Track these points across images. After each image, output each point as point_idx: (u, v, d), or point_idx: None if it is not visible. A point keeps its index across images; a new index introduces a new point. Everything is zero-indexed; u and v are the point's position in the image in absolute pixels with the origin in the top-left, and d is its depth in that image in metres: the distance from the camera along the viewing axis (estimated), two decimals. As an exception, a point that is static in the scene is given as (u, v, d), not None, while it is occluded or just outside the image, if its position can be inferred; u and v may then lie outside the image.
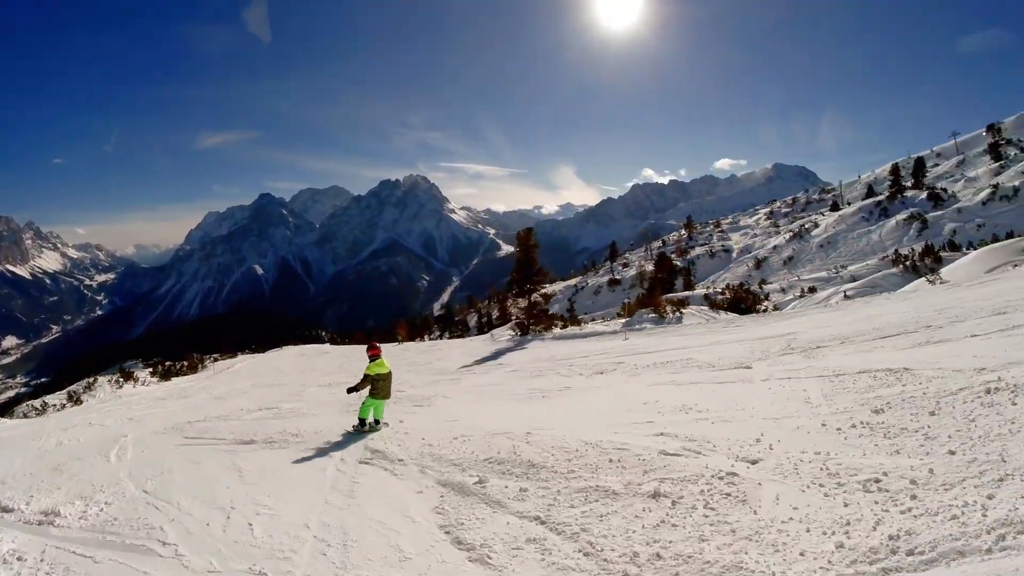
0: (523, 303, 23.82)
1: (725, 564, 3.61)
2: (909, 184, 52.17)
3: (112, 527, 5.62)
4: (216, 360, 27.81)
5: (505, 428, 7.17)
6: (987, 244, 28.08)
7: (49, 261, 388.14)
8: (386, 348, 25.25)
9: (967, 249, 31.22)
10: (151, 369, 26.10)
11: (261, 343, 44.16)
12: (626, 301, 28.19)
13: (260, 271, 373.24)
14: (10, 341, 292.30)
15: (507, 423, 7.53)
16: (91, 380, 24.25)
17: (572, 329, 21.19)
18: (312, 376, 16.83)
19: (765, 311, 21.77)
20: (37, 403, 21.69)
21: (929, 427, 5.09)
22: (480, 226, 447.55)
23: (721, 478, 4.80)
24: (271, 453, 7.72)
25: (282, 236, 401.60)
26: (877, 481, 4.23)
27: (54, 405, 20.40)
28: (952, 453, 4.47)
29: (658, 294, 27.85)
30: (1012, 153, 50.50)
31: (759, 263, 52.56)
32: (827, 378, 7.44)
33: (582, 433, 6.59)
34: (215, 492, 6.27)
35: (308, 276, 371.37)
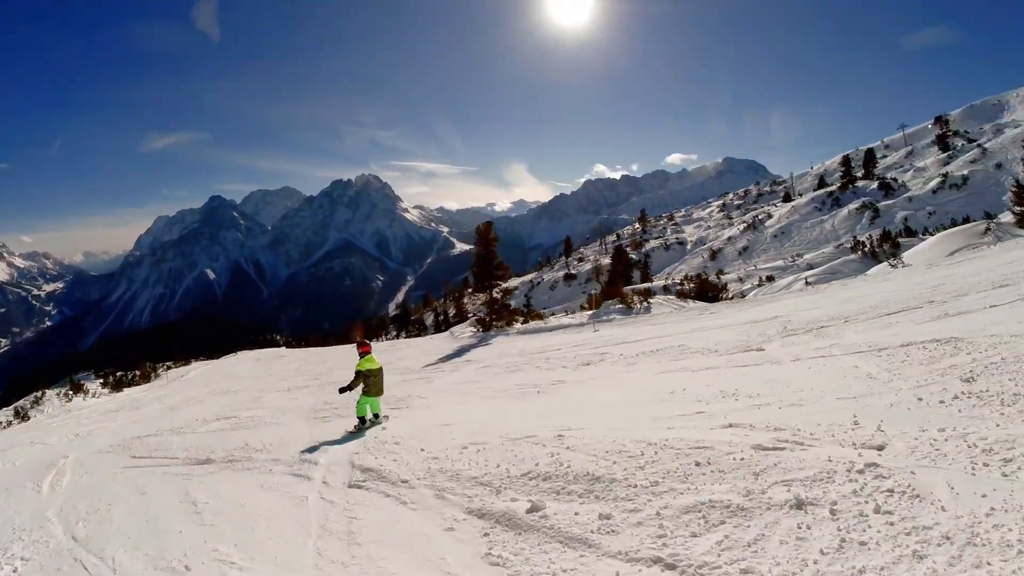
0: (483, 298, 22.98)
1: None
2: (860, 175, 53.52)
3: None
4: (169, 368, 26.55)
5: (522, 431, 5.88)
6: (941, 231, 28.56)
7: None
8: (344, 349, 24.47)
9: (923, 235, 31.80)
10: (102, 380, 24.91)
11: (215, 349, 42.11)
12: (592, 293, 27.47)
13: (212, 275, 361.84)
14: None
15: (518, 424, 6.28)
16: (39, 394, 22.89)
17: (536, 323, 20.62)
18: (269, 381, 15.98)
19: (732, 299, 21.52)
20: (-19, 421, 20.08)
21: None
22: (433, 225, 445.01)
23: (861, 472, 3.76)
24: (233, 477, 6.38)
25: (234, 239, 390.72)
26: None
27: (0, 423, 19.01)
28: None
29: (621, 285, 27.27)
30: (960, 144, 52.39)
31: (714, 254, 53.11)
32: (871, 354, 6.76)
33: (628, 431, 5.35)
34: (164, 540, 4.76)
35: (261, 279, 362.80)
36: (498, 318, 22.06)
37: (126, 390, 21.46)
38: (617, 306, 19.24)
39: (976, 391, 4.85)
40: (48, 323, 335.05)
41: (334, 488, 5.41)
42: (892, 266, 21.51)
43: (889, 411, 4.85)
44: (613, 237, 75.22)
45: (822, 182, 60.95)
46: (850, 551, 3.07)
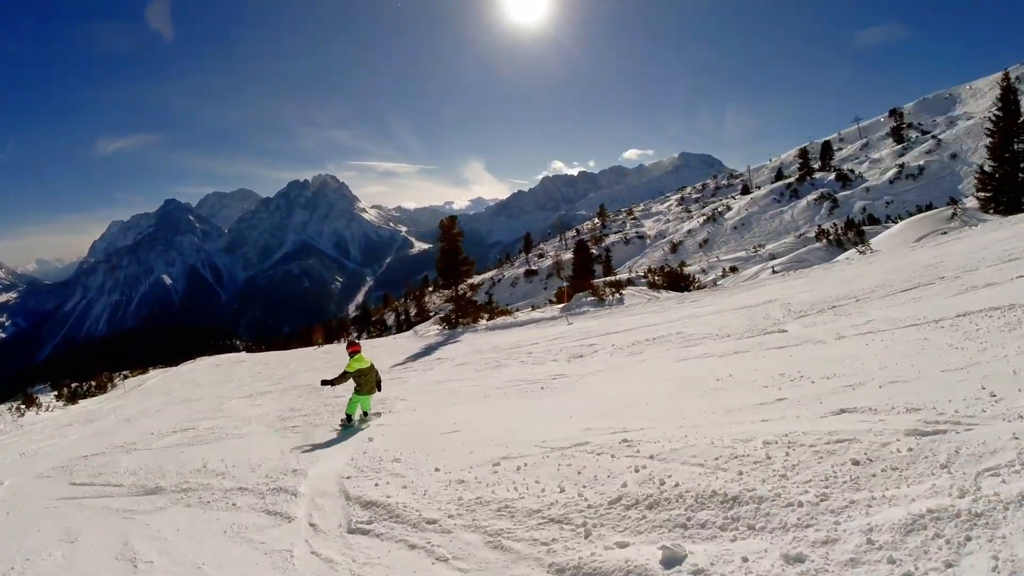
0: (448, 295, 22.08)
1: None
2: (817, 167, 54.46)
3: None
4: (127, 377, 25.53)
5: (561, 436, 4.65)
6: (902, 219, 28.86)
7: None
8: (306, 352, 23.15)
9: (886, 223, 32.15)
10: (56, 392, 23.28)
11: (174, 356, 40.13)
12: (561, 287, 26.67)
13: (169, 281, 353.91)
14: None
15: (549, 428, 5.06)
16: (-9, 410, 21.73)
17: (506, 318, 20.10)
18: (230, 388, 15.22)
19: (706, 287, 21.11)
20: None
21: None
22: (392, 224, 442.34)
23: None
24: (187, 515, 4.91)
25: (190, 243, 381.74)
26: None
27: (-50, 444, 16.89)
28: None
29: (588, 278, 26.58)
30: (914, 136, 53.93)
31: (675, 247, 53.38)
32: (927, 326, 6.10)
33: (707, 428, 4.20)
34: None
35: (219, 284, 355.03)
36: (464, 315, 21.51)
37: (81, 402, 20.48)
38: (589, 298, 18.92)
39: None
40: (2, 335, 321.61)
41: (327, 534, 3.90)
42: (861, 252, 21.43)
43: (1016, 379, 4.00)
44: (573, 233, 75.18)
45: (780, 174, 61.96)
46: None
